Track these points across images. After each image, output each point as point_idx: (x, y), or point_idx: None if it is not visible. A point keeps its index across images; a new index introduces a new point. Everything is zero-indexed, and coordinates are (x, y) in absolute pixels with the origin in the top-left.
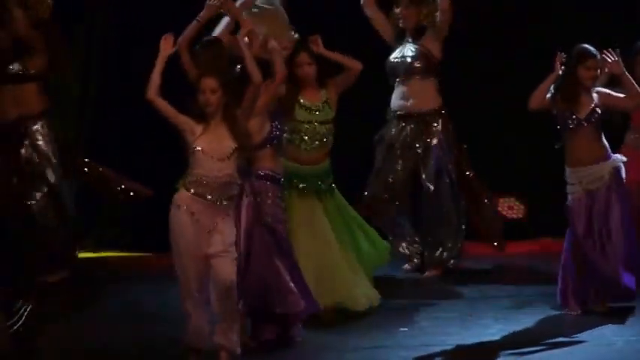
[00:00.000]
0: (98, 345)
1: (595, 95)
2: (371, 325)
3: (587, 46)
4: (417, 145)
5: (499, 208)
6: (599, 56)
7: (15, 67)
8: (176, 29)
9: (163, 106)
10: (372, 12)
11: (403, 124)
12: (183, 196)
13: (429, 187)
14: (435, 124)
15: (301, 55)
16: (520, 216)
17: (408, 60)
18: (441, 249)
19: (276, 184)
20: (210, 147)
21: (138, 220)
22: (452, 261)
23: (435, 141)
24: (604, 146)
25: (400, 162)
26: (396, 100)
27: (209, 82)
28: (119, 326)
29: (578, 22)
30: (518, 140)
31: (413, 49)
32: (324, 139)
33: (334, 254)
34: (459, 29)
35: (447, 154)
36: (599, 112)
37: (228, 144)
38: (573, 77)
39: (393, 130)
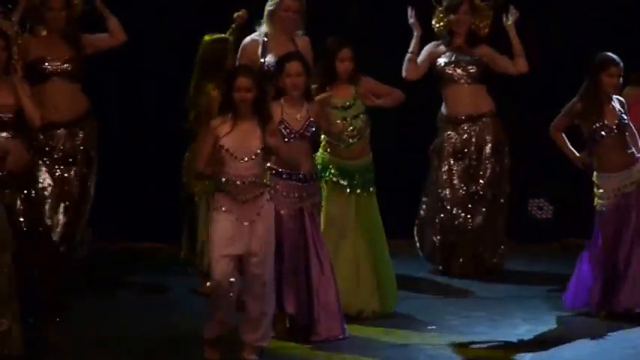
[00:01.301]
0: (115, 334)
1: (616, 101)
2: (399, 323)
3: (609, 53)
4: (472, 150)
5: (529, 208)
6: (621, 64)
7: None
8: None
9: (207, 155)
10: (418, 76)
11: (457, 129)
12: (218, 197)
13: (482, 193)
14: (487, 129)
15: (344, 50)
16: (549, 216)
17: (463, 65)
18: (490, 253)
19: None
20: (236, 146)
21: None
22: (494, 260)
23: (488, 146)
24: (632, 150)
25: (455, 170)
26: (449, 106)
27: (244, 81)
28: (136, 316)
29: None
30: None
31: (468, 55)
32: (361, 133)
33: (356, 257)
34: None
35: (499, 159)
36: (625, 118)
37: (255, 143)
38: (597, 86)
39: (447, 136)
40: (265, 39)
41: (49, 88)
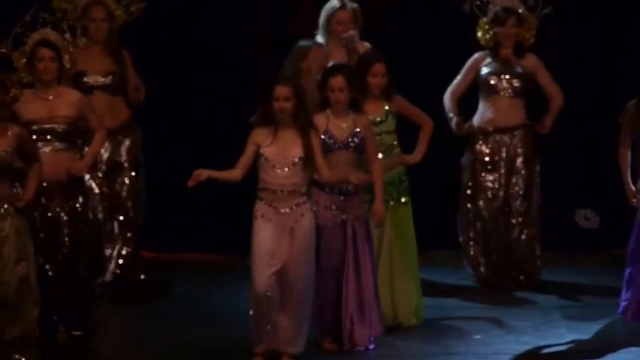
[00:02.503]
0: (162, 344)
1: None
2: (444, 332)
3: None
4: (503, 162)
5: (575, 218)
6: None
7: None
8: None
9: (245, 163)
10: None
11: (487, 140)
12: (258, 206)
13: (513, 206)
14: (519, 141)
15: (377, 65)
16: (595, 227)
17: (508, 77)
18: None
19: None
20: (275, 155)
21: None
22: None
23: (519, 158)
24: None
25: (487, 181)
26: (484, 116)
27: (283, 90)
28: (187, 326)
29: None
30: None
31: (514, 68)
32: (390, 150)
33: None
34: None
35: (530, 172)
36: None
37: (295, 153)
38: None
39: (479, 146)
40: (326, 47)
41: (91, 100)
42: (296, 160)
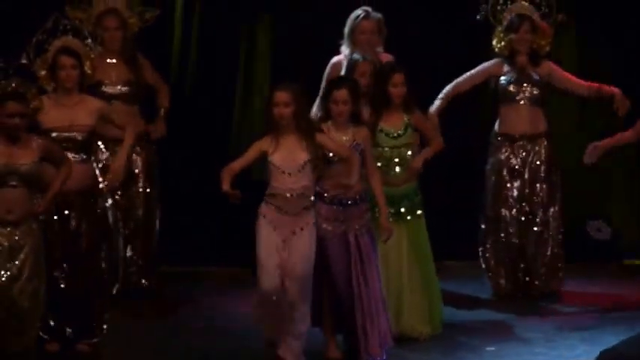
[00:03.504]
0: (175, 357)
1: None
2: (456, 344)
3: None
4: (526, 170)
5: (587, 229)
6: None
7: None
8: None
9: (243, 164)
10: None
11: (513, 147)
12: (264, 207)
13: (535, 215)
14: (542, 149)
15: (396, 75)
16: (607, 238)
17: (526, 85)
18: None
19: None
20: (283, 161)
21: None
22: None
23: (543, 167)
24: None
25: (511, 189)
26: (507, 124)
27: (282, 96)
28: (199, 339)
29: None
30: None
31: (532, 76)
32: (406, 163)
33: (401, 282)
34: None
35: (552, 181)
36: None
37: (301, 156)
38: None
39: (503, 153)
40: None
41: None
42: (303, 163)
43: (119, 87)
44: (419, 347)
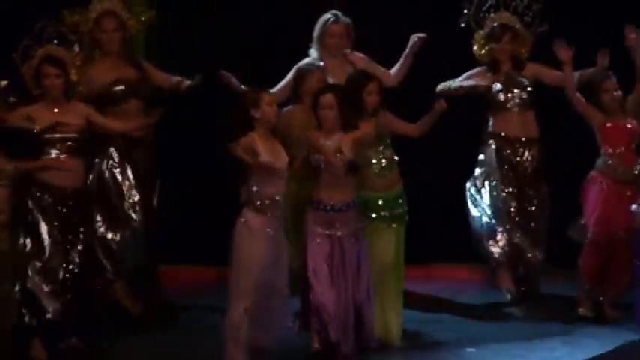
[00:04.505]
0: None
1: None
2: (437, 345)
3: None
4: (517, 172)
5: (569, 232)
6: None
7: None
8: None
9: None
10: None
11: (505, 146)
12: (245, 211)
13: (523, 216)
14: (535, 153)
15: (372, 84)
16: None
17: (514, 91)
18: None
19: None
20: (275, 161)
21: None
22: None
23: (532, 170)
24: None
25: (502, 189)
26: (499, 127)
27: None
28: (198, 339)
29: None
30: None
31: (518, 81)
32: (392, 163)
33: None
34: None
35: (541, 184)
36: None
37: (285, 158)
38: None
39: (496, 151)
40: (321, 63)
41: (123, 109)
42: (286, 165)
43: (128, 86)
44: (397, 348)
